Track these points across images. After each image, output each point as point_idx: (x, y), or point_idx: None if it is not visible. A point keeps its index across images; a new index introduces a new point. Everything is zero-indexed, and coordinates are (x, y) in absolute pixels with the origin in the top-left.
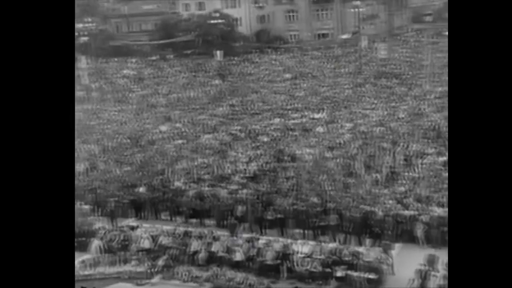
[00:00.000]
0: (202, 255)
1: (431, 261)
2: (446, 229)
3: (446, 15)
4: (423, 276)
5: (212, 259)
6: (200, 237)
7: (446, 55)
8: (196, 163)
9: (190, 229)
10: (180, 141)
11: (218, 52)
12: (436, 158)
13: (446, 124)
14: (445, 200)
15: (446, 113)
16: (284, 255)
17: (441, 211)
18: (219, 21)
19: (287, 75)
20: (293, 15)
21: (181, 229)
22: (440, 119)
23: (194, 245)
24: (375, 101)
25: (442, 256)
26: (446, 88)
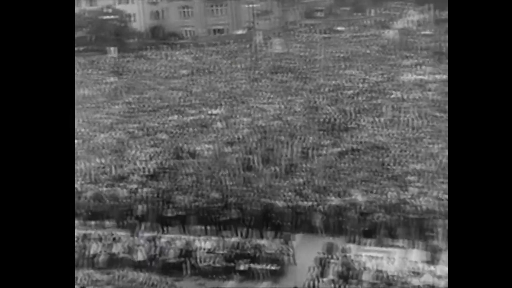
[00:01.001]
0: (102, 258)
1: (330, 249)
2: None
3: (337, 10)
4: (323, 264)
5: (113, 261)
6: (99, 239)
7: (338, 49)
8: (92, 164)
9: (88, 231)
10: (75, 141)
11: (112, 49)
12: (332, 149)
13: (340, 116)
14: (341, 189)
15: (340, 105)
16: (187, 252)
17: (338, 201)
18: (112, 17)
19: (184, 71)
20: (187, 11)
21: (80, 232)
22: (334, 111)
23: (94, 247)
24: (272, 96)
25: (340, 243)
26: (339, 82)
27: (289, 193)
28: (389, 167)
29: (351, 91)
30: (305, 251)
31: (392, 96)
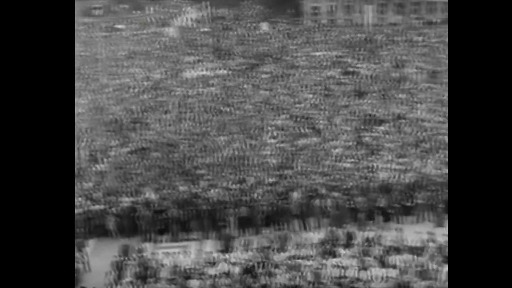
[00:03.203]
0: None
1: (125, 251)
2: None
3: (116, 8)
4: (119, 267)
5: None
6: None
7: (119, 48)
8: None
9: None
10: None
11: None
12: (120, 150)
13: (127, 115)
14: (133, 189)
15: (125, 104)
16: None
17: (130, 201)
18: None
19: None
20: None
21: None
22: (120, 111)
23: None
24: None
25: (135, 244)
26: (123, 81)
27: (79, 199)
28: (179, 163)
29: (136, 90)
30: (101, 256)
31: (177, 93)
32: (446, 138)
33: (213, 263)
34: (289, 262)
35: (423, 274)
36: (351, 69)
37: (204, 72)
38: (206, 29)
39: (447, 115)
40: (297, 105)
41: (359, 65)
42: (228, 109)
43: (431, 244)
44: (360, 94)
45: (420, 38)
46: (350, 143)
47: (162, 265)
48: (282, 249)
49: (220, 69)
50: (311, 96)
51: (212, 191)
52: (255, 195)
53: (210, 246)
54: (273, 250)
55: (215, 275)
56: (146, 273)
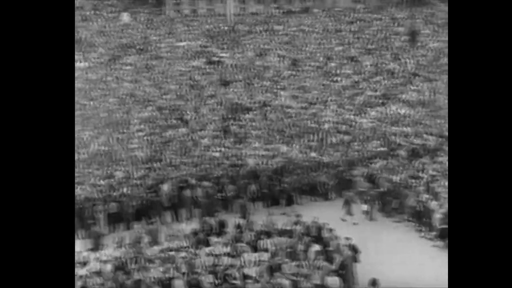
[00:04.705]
0: None
1: None
2: None
3: None
4: None
5: None
6: None
7: None
8: None
9: None
10: None
11: None
12: None
13: None
14: None
15: None
16: None
17: None
18: None
19: None
20: None
21: None
22: None
23: None
24: None
25: None
26: None
27: None
28: None
29: None
30: None
31: None
32: (308, 123)
33: (83, 263)
34: (162, 255)
35: (292, 255)
36: (216, 59)
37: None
38: None
39: (309, 101)
40: (163, 97)
41: (223, 55)
42: (91, 103)
43: (298, 226)
44: (225, 83)
45: (281, 27)
46: (218, 132)
47: None
48: (154, 242)
49: (80, 61)
50: (177, 87)
51: (78, 188)
52: (124, 189)
53: (79, 246)
54: (145, 244)
55: (86, 275)
56: None
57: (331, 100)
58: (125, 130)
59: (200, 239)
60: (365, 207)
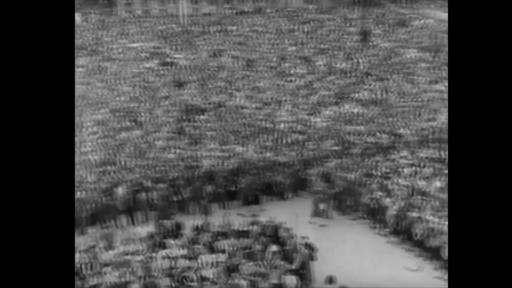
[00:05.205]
0: None
1: None
2: None
3: None
4: None
5: None
6: None
7: None
8: None
9: None
10: None
11: None
12: None
13: None
14: None
15: None
16: None
17: None
18: None
19: None
20: None
21: None
22: None
23: None
24: None
25: None
26: None
27: None
28: None
29: None
30: None
31: None
32: (263, 123)
33: None
34: (118, 259)
35: (250, 255)
36: (169, 60)
37: None
38: None
39: (263, 101)
40: (117, 99)
41: (176, 56)
42: None
43: (255, 226)
44: (179, 84)
45: (234, 28)
46: (173, 134)
47: None
48: (109, 247)
49: None
50: (130, 88)
51: None
52: (78, 194)
53: None
54: (100, 249)
55: None
56: None
57: (285, 100)
58: (77, 133)
59: (157, 242)
60: (321, 206)
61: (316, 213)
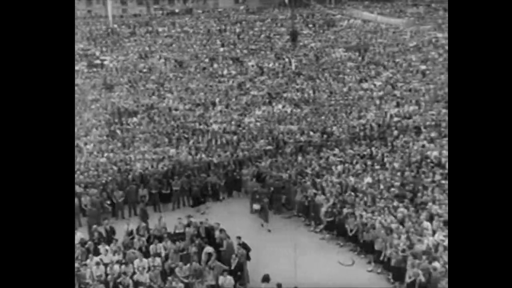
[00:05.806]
0: None
1: None
2: None
3: None
4: None
5: None
6: None
7: None
8: None
9: None
10: None
11: None
12: None
13: None
14: None
15: None
16: None
17: None
18: None
19: None
20: None
21: None
22: None
23: None
24: None
25: None
26: None
27: None
28: None
29: None
30: None
31: None
32: (196, 124)
33: None
34: None
35: (185, 257)
36: (98, 62)
37: None
38: None
39: (195, 102)
40: None
41: (105, 58)
42: None
43: (190, 228)
44: (109, 87)
45: (164, 29)
46: (103, 137)
47: None
48: None
49: None
50: None
51: None
52: None
53: None
54: None
55: None
56: None
57: (217, 101)
58: None
59: (89, 249)
60: (257, 206)
61: (252, 212)
